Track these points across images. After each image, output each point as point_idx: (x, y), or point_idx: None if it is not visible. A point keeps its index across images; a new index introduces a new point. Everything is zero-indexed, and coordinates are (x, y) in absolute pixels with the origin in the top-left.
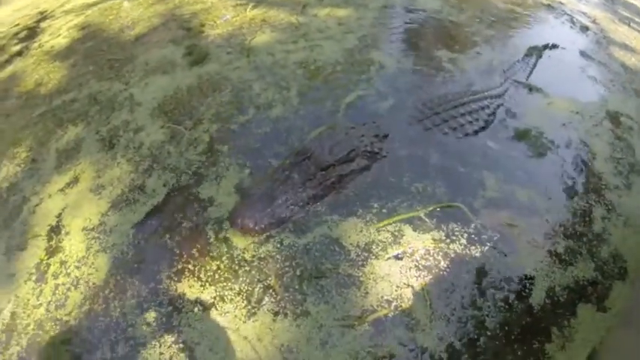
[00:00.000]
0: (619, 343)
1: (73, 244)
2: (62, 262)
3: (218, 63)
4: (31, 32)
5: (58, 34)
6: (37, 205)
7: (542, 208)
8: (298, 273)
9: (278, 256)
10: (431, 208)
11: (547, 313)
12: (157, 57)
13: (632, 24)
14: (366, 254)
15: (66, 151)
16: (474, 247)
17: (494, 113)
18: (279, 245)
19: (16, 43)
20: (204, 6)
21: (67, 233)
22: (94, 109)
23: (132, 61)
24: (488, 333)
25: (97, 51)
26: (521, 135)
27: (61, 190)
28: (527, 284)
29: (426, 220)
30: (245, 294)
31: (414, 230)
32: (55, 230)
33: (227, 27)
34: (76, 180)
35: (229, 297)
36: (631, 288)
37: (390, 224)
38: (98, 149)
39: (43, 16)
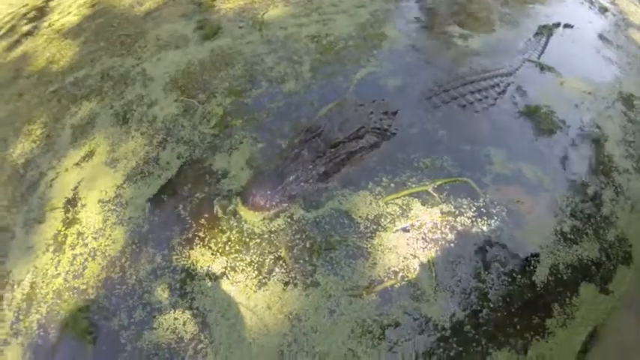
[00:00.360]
0: (620, 325)
1: (90, 216)
2: (79, 234)
3: (230, 37)
4: (40, 12)
5: (68, 12)
6: (53, 179)
7: (550, 186)
8: (308, 245)
9: (288, 229)
10: (439, 183)
11: (550, 290)
12: (168, 32)
13: None
14: (374, 227)
15: (81, 127)
16: (480, 222)
17: (504, 91)
18: (289, 219)
19: (26, 23)
20: None
21: (84, 205)
22: (107, 85)
23: (143, 37)
24: (491, 305)
25: (107, 27)
26: (532, 112)
27: (77, 164)
28: (532, 260)
29: (434, 194)
30: (256, 265)
31: (422, 204)
32: (72, 203)
33: (239, 1)
34: (91, 154)
35: (241, 267)
36: (635, 272)
37: (399, 198)
38: (112, 124)
39: None
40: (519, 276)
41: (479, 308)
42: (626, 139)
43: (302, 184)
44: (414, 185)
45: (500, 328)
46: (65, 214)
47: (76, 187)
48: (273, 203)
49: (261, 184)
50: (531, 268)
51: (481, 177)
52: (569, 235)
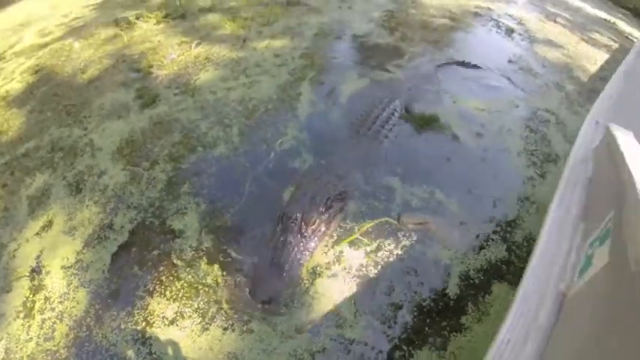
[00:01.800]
0: None
1: (55, 281)
2: (46, 299)
3: (167, 104)
4: None
5: (12, 79)
6: (15, 249)
7: (454, 202)
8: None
9: (231, 282)
10: (364, 228)
11: (464, 293)
12: (110, 101)
13: (557, 19)
14: (311, 277)
15: (37, 198)
16: (397, 250)
17: (398, 114)
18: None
19: None
20: (151, 45)
21: (48, 272)
22: (58, 156)
23: (88, 106)
24: (408, 316)
25: (52, 96)
26: (429, 126)
27: (37, 233)
28: (444, 271)
29: (362, 238)
30: (200, 312)
31: (351, 247)
32: (37, 270)
33: (174, 66)
34: (49, 224)
35: (188, 314)
36: None
37: (335, 246)
38: (67, 194)
39: None
40: (433, 286)
41: (397, 321)
42: (528, 149)
43: (297, 265)
44: (347, 235)
45: (419, 332)
46: (31, 281)
47: (38, 256)
48: (281, 291)
49: (267, 278)
50: (444, 278)
51: (396, 208)
52: (477, 243)
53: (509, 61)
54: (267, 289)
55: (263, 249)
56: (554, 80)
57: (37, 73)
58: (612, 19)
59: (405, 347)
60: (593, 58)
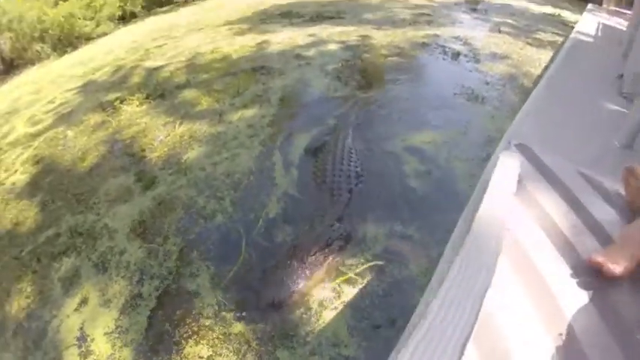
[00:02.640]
0: None
1: (100, 346)
2: None
3: (165, 184)
4: None
5: (15, 170)
6: (58, 325)
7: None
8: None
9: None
10: (358, 270)
11: None
12: (114, 186)
13: (502, 29)
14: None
15: (68, 279)
16: (382, 284)
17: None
18: None
19: None
20: (139, 128)
21: (93, 339)
22: (79, 241)
23: (95, 193)
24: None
25: (59, 185)
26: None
27: (76, 309)
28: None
29: (355, 277)
30: (229, 350)
31: (346, 284)
32: (82, 339)
33: (163, 148)
34: (85, 300)
35: (219, 353)
36: None
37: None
38: (95, 273)
39: None
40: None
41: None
42: (472, 173)
43: (300, 282)
44: (340, 275)
45: None
46: (79, 349)
47: (81, 327)
48: (286, 297)
49: (273, 287)
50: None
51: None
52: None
53: (457, 87)
54: (273, 293)
55: (269, 273)
56: (500, 96)
57: (37, 163)
58: (557, 12)
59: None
60: (538, 60)
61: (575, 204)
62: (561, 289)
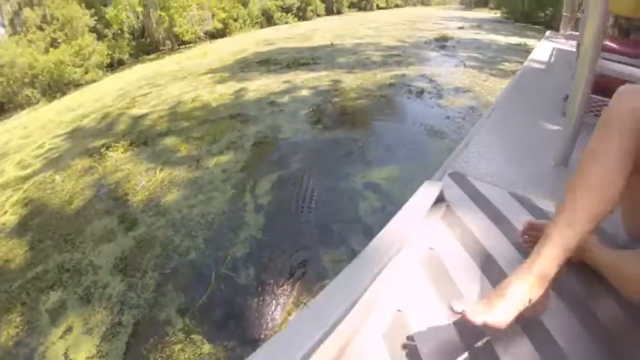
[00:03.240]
0: None
1: None
2: None
3: (145, 225)
4: None
5: (5, 211)
6: (44, 351)
7: None
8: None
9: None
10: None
11: None
12: (99, 227)
13: (466, 63)
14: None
15: (55, 310)
16: None
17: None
18: None
19: None
20: (123, 174)
21: None
22: (66, 276)
23: (81, 234)
24: None
25: (47, 226)
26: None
27: (61, 337)
28: None
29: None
30: None
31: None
32: None
33: (145, 192)
34: (70, 329)
35: None
36: None
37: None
38: (80, 305)
39: None
40: None
41: None
42: None
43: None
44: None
45: None
46: None
47: (65, 353)
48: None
49: (254, 322)
50: None
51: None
52: None
53: (418, 123)
54: (257, 330)
55: (247, 310)
56: (458, 129)
57: (27, 205)
58: (523, 41)
59: None
60: (499, 90)
61: (501, 223)
62: (476, 296)
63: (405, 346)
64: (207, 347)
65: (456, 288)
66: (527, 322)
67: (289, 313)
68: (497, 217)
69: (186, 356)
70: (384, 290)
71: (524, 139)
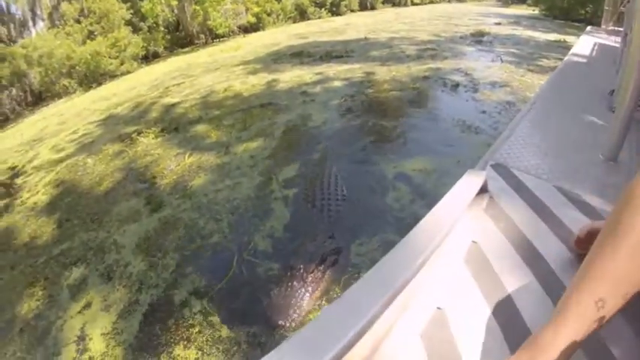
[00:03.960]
0: None
1: (96, 344)
2: (91, 358)
3: (171, 208)
4: (9, 189)
5: (37, 191)
6: (62, 324)
7: None
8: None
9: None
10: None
11: None
12: (125, 208)
13: (503, 58)
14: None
15: (76, 286)
16: None
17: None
18: None
19: None
20: (152, 158)
21: (91, 339)
22: (90, 254)
23: (108, 214)
24: None
25: (76, 206)
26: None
27: (79, 312)
28: None
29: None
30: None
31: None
32: (81, 338)
33: (173, 176)
34: (89, 304)
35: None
36: None
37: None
38: (101, 282)
39: (15, 172)
40: None
41: None
42: None
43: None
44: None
45: None
46: (77, 346)
47: (82, 328)
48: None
49: (281, 307)
50: None
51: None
52: None
53: (453, 116)
54: (284, 317)
55: (275, 296)
56: (494, 123)
57: (58, 186)
58: (562, 38)
59: None
60: (537, 86)
61: (548, 218)
62: (523, 297)
63: (444, 347)
64: (225, 331)
65: (501, 286)
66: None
67: (318, 301)
68: (543, 212)
69: (204, 339)
70: (423, 286)
71: (569, 134)
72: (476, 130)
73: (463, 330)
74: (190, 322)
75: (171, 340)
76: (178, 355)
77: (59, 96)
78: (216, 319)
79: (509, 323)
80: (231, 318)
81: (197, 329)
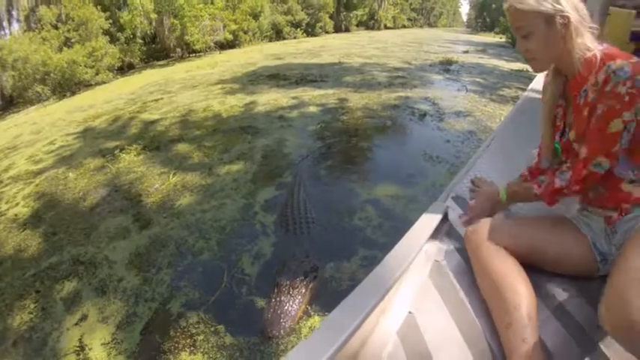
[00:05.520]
0: None
1: (97, 353)
2: None
3: (159, 226)
4: None
5: (16, 203)
6: (59, 336)
7: None
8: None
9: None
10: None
11: None
12: (113, 225)
13: (468, 87)
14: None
15: (70, 299)
16: None
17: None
18: None
19: None
20: (136, 175)
21: (91, 349)
22: (81, 268)
23: (96, 229)
24: None
25: (61, 220)
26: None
27: (76, 324)
28: None
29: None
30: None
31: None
32: (81, 348)
33: (158, 195)
34: (85, 317)
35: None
36: None
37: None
38: (95, 295)
39: None
40: None
41: None
42: None
43: (291, 314)
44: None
45: None
46: (77, 356)
47: (80, 339)
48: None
49: (272, 321)
50: None
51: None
52: None
53: (420, 145)
54: (277, 328)
55: (266, 310)
56: (457, 152)
57: (39, 199)
58: (525, 67)
59: None
60: (499, 115)
61: None
62: (476, 304)
63: (415, 342)
64: (229, 339)
65: (459, 295)
66: None
67: (305, 312)
68: None
69: (209, 345)
70: (397, 295)
71: (523, 168)
72: (440, 159)
73: (430, 329)
74: (193, 330)
75: (175, 347)
76: (184, 359)
77: (32, 102)
78: (221, 327)
79: (465, 324)
80: (229, 328)
81: (202, 337)
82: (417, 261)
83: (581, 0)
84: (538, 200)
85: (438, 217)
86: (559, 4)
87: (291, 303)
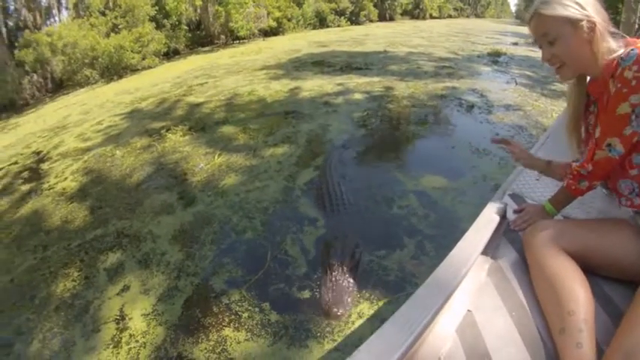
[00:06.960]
0: None
1: (137, 323)
2: (131, 335)
3: (204, 204)
4: (34, 173)
5: (64, 178)
6: (100, 305)
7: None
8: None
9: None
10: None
11: None
12: (158, 201)
13: (518, 81)
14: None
15: (112, 269)
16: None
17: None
18: None
19: (23, 183)
20: (181, 155)
21: (131, 319)
22: (125, 241)
23: (141, 205)
24: None
25: (107, 195)
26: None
27: (117, 294)
28: None
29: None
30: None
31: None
32: (121, 317)
33: (203, 174)
34: (127, 287)
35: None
36: None
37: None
38: (138, 267)
39: (40, 158)
40: None
41: None
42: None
43: (348, 292)
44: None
45: None
46: (117, 324)
47: (120, 308)
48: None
49: (336, 299)
50: None
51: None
52: None
53: (468, 138)
54: (340, 307)
55: (321, 286)
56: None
57: (87, 175)
58: None
59: None
60: (551, 111)
61: None
62: (533, 305)
63: (474, 339)
64: (274, 316)
65: (516, 296)
66: None
67: (355, 299)
68: None
69: (253, 322)
70: (457, 293)
71: None
72: (489, 152)
73: (488, 328)
74: (237, 307)
75: (218, 323)
76: (228, 335)
77: (80, 85)
78: (265, 305)
79: (522, 325)
80: (274, 306)
81: (246, 314)
82: (477, 260)
83: (601, 4)
84: (575, 197)
85: (497, 216)
86: (584, 9)
87: (347, 282)
